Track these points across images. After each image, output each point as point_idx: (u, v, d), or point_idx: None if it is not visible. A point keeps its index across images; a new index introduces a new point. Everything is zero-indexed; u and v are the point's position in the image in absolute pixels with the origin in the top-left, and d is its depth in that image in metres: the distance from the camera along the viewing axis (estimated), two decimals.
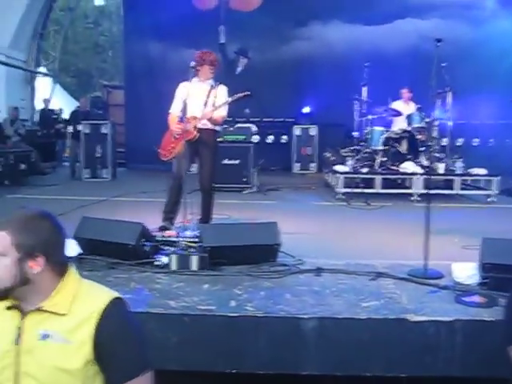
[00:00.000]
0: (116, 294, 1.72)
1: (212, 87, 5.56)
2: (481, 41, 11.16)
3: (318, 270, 4.10)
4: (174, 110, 5.52)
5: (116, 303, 1.69)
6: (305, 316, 3.23)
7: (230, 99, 5.53)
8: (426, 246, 4.07)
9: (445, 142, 9.47)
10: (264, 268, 4.15)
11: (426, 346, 3.22)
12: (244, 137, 9.20)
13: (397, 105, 9.05)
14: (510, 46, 11.28)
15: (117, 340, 1.65)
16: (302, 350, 3.23)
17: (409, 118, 8.65)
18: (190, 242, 4.51)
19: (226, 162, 8.89)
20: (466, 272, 3.84)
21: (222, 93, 5.58)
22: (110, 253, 4.22)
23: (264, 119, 12.01)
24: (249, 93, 5.61)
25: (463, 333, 3.22)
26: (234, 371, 3.23)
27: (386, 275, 4.01)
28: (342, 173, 8.21)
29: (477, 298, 3.49)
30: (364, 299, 3.50)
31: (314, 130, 11.82)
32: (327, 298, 3.54)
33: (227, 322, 3.26)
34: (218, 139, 6.13)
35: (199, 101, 5.47)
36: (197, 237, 4.53)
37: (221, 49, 11.60)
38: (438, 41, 4.11)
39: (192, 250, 4.32)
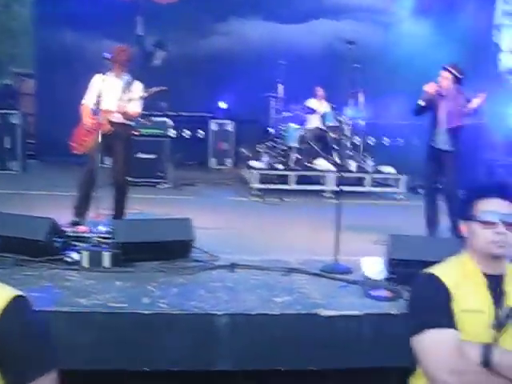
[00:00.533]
0: (17, 292, 1.63)
1: (127, 83, 5.45)
2: (391, 44, 11.56)
3: (232, 266, 4.12)
4: (87, 102, 5.36)
5: (17, 302, 1.60)
6: (218, 312, 3.24)
7: (145, 94, 5.44)
8: (336, 242, 4.20)
9: (357, 140, 9.76)
10: (178, 264, 4.12)
11: (336, 340, 3.31)
12: (160, 131, 9.07)
13: (311, 103, 9.22)
14: (418, 50, 11.78)
15: (17, 340, 1.57)
16: (216, 346, 3.24)
17: (323, 116, 8.84)
18: (102, 237, 4.40)
19: (140, 155, 8.67)
20: (375, 267, 3.98)
21: (136, 88, 5.48)
22: (18, 249, 4.03)
23: (181, 113, 11.87)
24: (165, 88, 5.54)
25: (371, 326, 3.35)
26: (146, 369, 3.19)
27: (298, 271, 4.10)
28: (257, 169, 8.27)
29: (384, 292, 3.63)
30: (277, 295, 3.56)
31: (230, 126, 11.81)
32: (240, 294, 3.57)
33: (140, 319, 3.21)
34: (133, 133, 6.00)
35: (113, 95, 5.34)
36: (109, 232, 4.42)
37: (138, 41, 11.33)
38: (350, 43, 4.23)
39: (104, 246, 4.22)
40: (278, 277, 3.97)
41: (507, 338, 1.85)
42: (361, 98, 9.05)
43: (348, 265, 4.23)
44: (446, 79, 5.63)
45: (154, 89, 5.50)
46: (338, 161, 8.49)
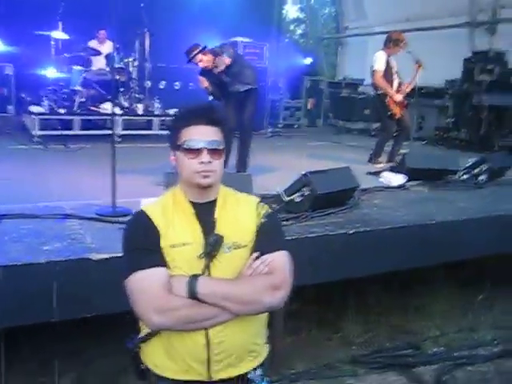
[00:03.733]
0: None
1: None
2: None
3: None
4: None
5: None
6: None
7: None
8: (113, 185, 4.07)
9: (148, 84, 9.56)
10: None
11: (112, 283, 3.22)
12: None
13: (93, 44, 8.77)
14: None
15: None
16: None
17: (107, 57, 8.47)
18: None
19: None
20: None
21: None
22: None
23: None
24: None
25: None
26: None
27: (72, 216, 3.89)
28: (37, 114, 7.70)
29: None
30: (46, 242, 3.33)
31: (9, 69, 10.77)
32: (5, 245, 3.28)
33: None
34: None
35: None
36: None
37: None
38: None
39: None
40: (50, 224, 3.73)
41: (219, 266, 1.85)
42: (147, 39, 8.82)
43: (127, 207, 4.14)
44: (205, 62, 5.94)
45: None
46: (125, 104, 8.24)
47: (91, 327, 3.52)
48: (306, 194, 4.16)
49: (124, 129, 8.11)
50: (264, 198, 4.25)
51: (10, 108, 10.82)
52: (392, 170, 6.08)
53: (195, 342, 1.82)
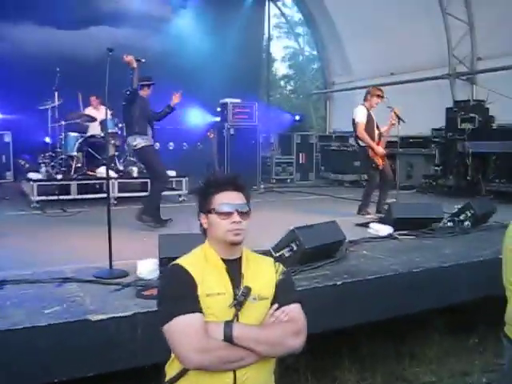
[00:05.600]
0: None
1: None
2: (170, 52, 11.89)
3: (1, 283, 3.93)
4: None
5: None
6: None
7: None
8: (109, 248, 4.25)
9: None
10: None
11: (110, 342, 3.36)
12: None
13: (89, 111, 9.12)
14: (198, 59, 12.29)
15: None
16: None
17: (102, 123, 8.78)
18: None
19: None
20: (148, 267, 4.12)
21: None
22: None
23: None
24: None
25: (144, 324, 3.45)
26: None
27: (72, 280, 4.05)
28: (35, 180, 7.94)
29: (155, 291, 3.75)
30: (46, 306, 3.48)
31: (7, 137, 11.13)
32: (7, 310, 3.43)
33: None
34: None
35: None
36: None
37: None
38: (110, 50, 4.30)
39: None
40: (50, 288, 3.89)
41: (246, 314, 2.11)
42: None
43: (124, 268, 4.31)
44: None
45: None
46: (120, 167, 8.49)
47: None
48: (294, 249, 4.33)
49: (120, 191, 8.34)
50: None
51: (9, 174, 11.14)
52: (380, 220, 6.28)
53: (223, 382, 2.05)
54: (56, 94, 8.89)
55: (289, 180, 12.53)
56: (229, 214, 2.13)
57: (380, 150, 7.29)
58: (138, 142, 6.53)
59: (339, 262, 4.70)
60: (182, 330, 2.01)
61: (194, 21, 13.18)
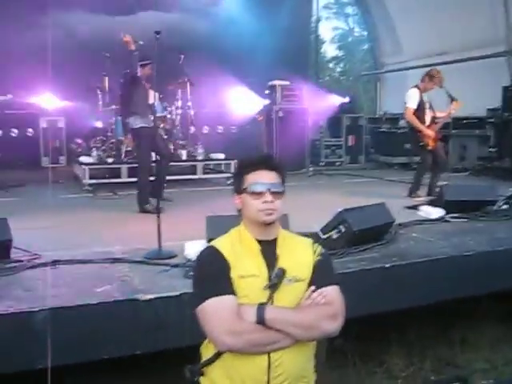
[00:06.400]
0: None
1: None
2: (218, 34, 11.86)
3: (54, 263, 4.05)
4: None
5: None
6: (34, 309, 3.19)
7: None
8: (158, 230, 4.31)
9: (191, 129, 9.95)
10: None
11: (158, 322, 3.42)
12: None
13: None
14: (245, 39, 12.22)
15: None
16: (34, 344, 3.18)
17: (151, 107, 8.86)
18: None
19: None
20: (195, 248, 4.14)
21: None
22: None
23: (6, 111, 11.21)
24: (10, 96, 5.24)
25: (191, 305, 3.49)
26: None
27: (122, 260, 4.14)
28: (87, 164, 8.13)
29: None
30: (97, 285, 3.57)
31: (61, 122, 11.40)
32: (60, 289, 3.53)
33: None
34: None
35: None
36: None
37: None
38: (157, 33, 4.31)
39: None
40: (100, 268, 3.99)
41: (281, 296, 2.07)
42: (188, 87, 9.22)
43: (173, 250, 4.37)
44: None
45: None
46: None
47: (140, 365, 3.71)
48: (342, 231, 4.29)
49: (169, 174, 8.42)
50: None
51: (62, 158, 11.42)
52: (431, 203, 6.14)
53: (258, 365, 2.03)
54: (106, 79, 9.03)
55: (338, 163, 12.38)
56: (260, 193, 2.10)
57: (429, 132, 7.12)
58: (138, 122, 6.64)
59: (388, 244, 4.63)
60: (214, 312, 2.00)
61: (242, 3, 13.09)
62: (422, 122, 7.20)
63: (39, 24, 11.71)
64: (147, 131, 6.61)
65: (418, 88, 7.28)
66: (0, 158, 9.74)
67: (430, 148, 7.15)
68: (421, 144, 7.17)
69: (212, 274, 2.07)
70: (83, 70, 10.20)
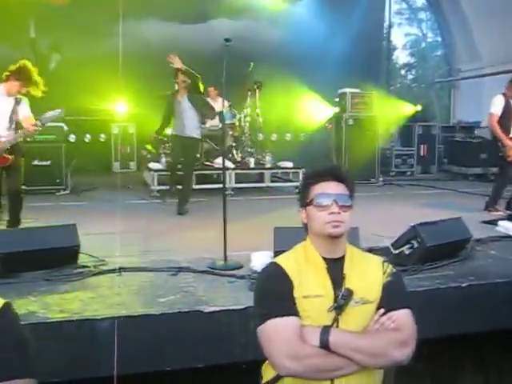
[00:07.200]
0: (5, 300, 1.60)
1: (16, 102, 5.37)
2: (288, 42, 11.79)
3: (120, 270, 4.06)
4: None
5: (7, 307, 1.59)
6: (99, 317, 3.18)
7: (39, 122, 5.31)
8: (224, 239, 4.24)
9: (260, 137, 9.91)
10: (63, 271, 4.01)
11: (221, 335, 3.34)
12: (54, 136, 8.75)
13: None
14: (315, 45, 12.09)
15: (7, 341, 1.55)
16: (98, 352, 3.17)
17: (220, 114, 8.88)
18: None
19: (36, 163, 8.45)
20: (262, 260, 4.05)
21: (25, 109, 5.42)
22: None
23: (80, 117, 11.57)
24: (60, 110, 5.41)
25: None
26: None
27: (187, 269, 4.10)
28: (155, 170, 8.21)
29: None
30: (162, 295, 3.54)
31: (131, 128, 11.65)
32: (125, 297, 3.53)
33: None
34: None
35: (4, 118, 5.27)
36: None
37: (32, 44, 11.00)
38: (227, 40, 4.26)
39: None
40: (165, 277, 3.96)
41: (347, 319, 1.93)
42: (257, 94, 9.18)
43: (239, 260, 4.29)
44: None
45: (51, 113, 5.37)
46: (237, 158, 8.56)
47: (201, 377, 3.63)
48: (415, 246, 4.08)
49: (237, 182, 8.41)
50: (372, 251, 4.24)
51: (132, 164, 11.66)
52: (510, 218, 5.80)
53: None
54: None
55: (409, 173, 12.02)
56: (327, 204, 1.97)
57: (510, 143, 6.74)
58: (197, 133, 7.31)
59: (464, 261, 4.37)
60: (275, 333, 1.88)
61: (312, 9, 12.96)
62: (507, 130, 6.85)
63: (112, 33, 12.06)
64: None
65: (504, 95, 6.96)
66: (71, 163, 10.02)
67: (509, 159, 6.77)
68: (500, 154, 6.81)
69: (275, 293, 1.95)
70: (154, 77, 10.38)
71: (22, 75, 5.35)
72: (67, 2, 11.57)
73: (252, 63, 9.18)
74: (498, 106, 6.90)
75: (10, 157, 5.23)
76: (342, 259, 2.03)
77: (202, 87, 7.17)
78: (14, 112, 5.33)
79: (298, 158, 9.39)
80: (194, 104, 7.31)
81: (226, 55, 4.25)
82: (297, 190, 7.26)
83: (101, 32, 11.92)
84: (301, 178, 8.69)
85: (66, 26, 11.37)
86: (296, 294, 1.94)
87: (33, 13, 11.04)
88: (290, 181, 9.05)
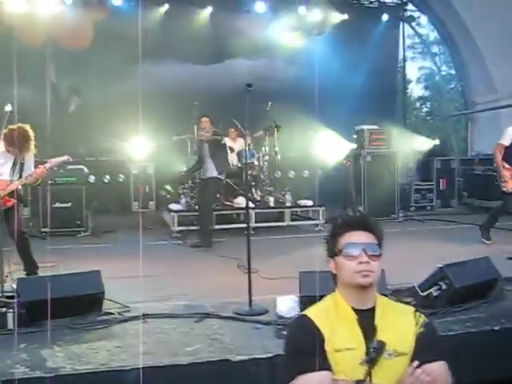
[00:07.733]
0: None
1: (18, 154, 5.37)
2: (304, 79, 11.89)
3: (144, 317, 4.02)
4: None
5: None
6: (126, 368, 3.14)
7: (48, 165, 5.40)
8: (249, 283, 4.20)
9: (278, 175, 9.91)
10: (89, 319, 3.99)
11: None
12: (75, 178, 8.84)
13: (227, 142, 9.30)
14: (332, 83, 12.18)
15: None
16: None
17: (239, 154, 8.94)
18: (6, 297, 4.22)
19: (57, 205, 8.51)
20: (288, 305, 4.00)
21: (29, 160, 5.42)
22: None
23: (99, 158, 11.70)
24: (68, 157, 5.49)
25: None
26: None
27: (211, 315, 4.05)
28: (175, 211, 8.22)
29: None
30: (188, 343, 3.49)
31: (150, 168, 11.72)
32: (151, 346, 3.48)
33: None
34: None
35: (5, 169, 5.31)
36: (15, 291, 4.23)
37: (53, 88, 11.23)
38: (249, 86, 4.29)
39: (9, 306, 4.03)
40: (190, 323, 3.91)
41: (380, 372, 1.89)
42: (275, 133, 9.22)
43: (264, 304, 4.23)
44: None
45: (57, 159, 5.43)
46: (257, 197, 8.56)
47: None
48: (443, 288, 4.01)
49: (256, 221, 8.38)
50: (398, 292, 4.16)
51: (151, 204, 11.68)
52: None
53: None
54: (195, 127, 9.18)
55: (429, 207, 11.92)
56: (356, 254, 1.96)
57: (505, 172, 6.71)
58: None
59: (494, 302, 4.27)
60: None
61: (328, 46, 13.11)
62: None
63: (129, 74, 12.28)
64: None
65: None
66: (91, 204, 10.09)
67: (504, 189, 6.72)
68: (495, 183, 6.77)
69: (305, 348, 1.91)
70: (172, 117, 10.51)
71: (19, 140, 5.19)
72: (86, 45, 11.80)
73: (270, 102, 9.26)
74: (507, 136, 6.90)
75: (12, 199, 5.22)
76: (372, 310, 2.00)
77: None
78: (15, 164, 5.32)
79: (316, 195, 9.36)
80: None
81: (248, 100, 4.28)
82: (318, 228, 7.23)
83: (118, 74, 12.13)
84: (322, 216, 8.66)
85: (84, 69, 11.61)
86: (327, 347, 1.91)
87: (53, 57, 11.26)
88: (310, 219, 9.00)
